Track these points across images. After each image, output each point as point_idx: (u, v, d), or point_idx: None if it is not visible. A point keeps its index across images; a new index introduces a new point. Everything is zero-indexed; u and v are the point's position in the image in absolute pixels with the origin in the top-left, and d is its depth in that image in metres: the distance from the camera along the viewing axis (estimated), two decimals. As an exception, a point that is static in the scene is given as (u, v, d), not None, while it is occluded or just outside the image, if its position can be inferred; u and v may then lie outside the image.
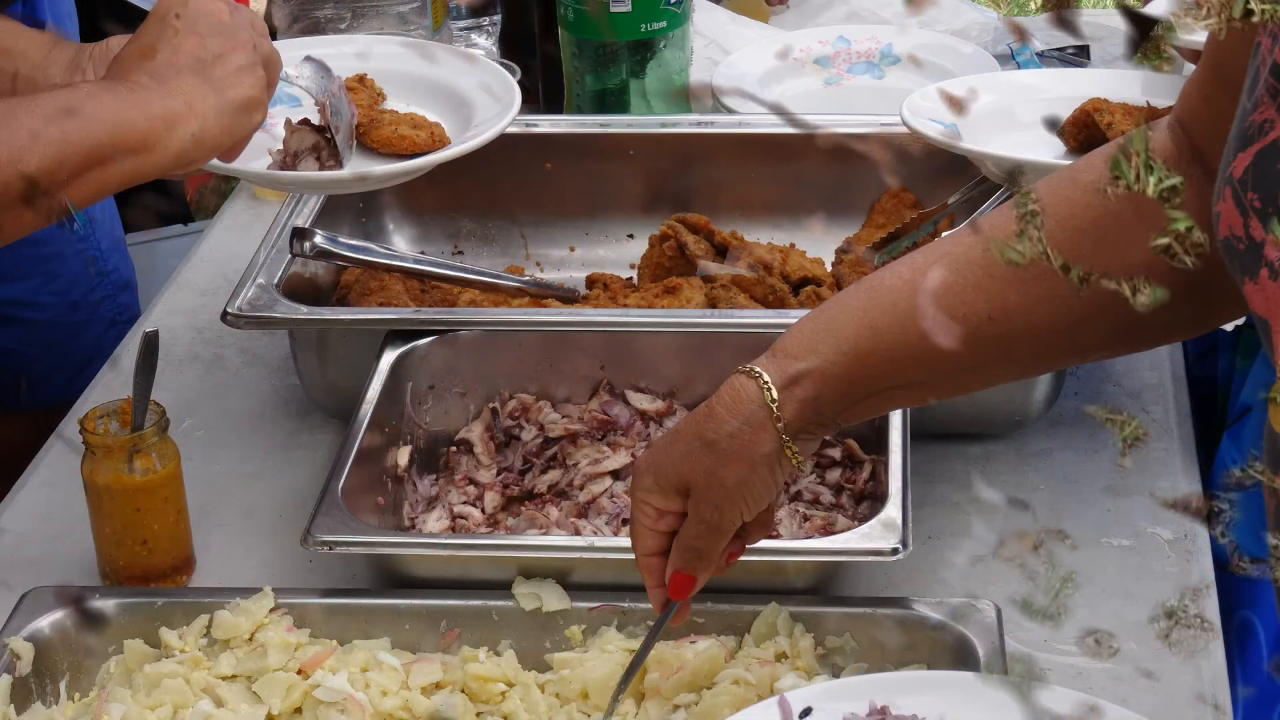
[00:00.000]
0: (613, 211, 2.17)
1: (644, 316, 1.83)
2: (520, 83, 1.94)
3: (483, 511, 1.77)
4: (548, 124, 2.18)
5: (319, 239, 1.86)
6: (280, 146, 1.80)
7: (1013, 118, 1.94)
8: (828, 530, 1.69)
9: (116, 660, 1.56)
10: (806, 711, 1.32)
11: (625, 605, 1.55)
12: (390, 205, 2.17)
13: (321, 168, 1.80)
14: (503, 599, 1.57)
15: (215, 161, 1.61)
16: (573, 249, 2.18)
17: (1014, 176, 1.71)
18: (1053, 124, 1.85)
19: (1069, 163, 1.35)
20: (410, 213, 2.18)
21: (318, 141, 1.80)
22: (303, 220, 1.97)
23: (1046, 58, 2.57)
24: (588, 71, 2.27)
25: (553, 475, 1.79)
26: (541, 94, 2.44)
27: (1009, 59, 2.53)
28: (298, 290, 1.89)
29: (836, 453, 1.77)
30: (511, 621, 1.56)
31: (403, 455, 1.76)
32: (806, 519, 1.72)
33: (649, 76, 2.26)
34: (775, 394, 1.32)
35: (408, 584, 1.60)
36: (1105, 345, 1.35)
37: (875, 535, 1.53)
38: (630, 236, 2.17)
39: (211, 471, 1.86)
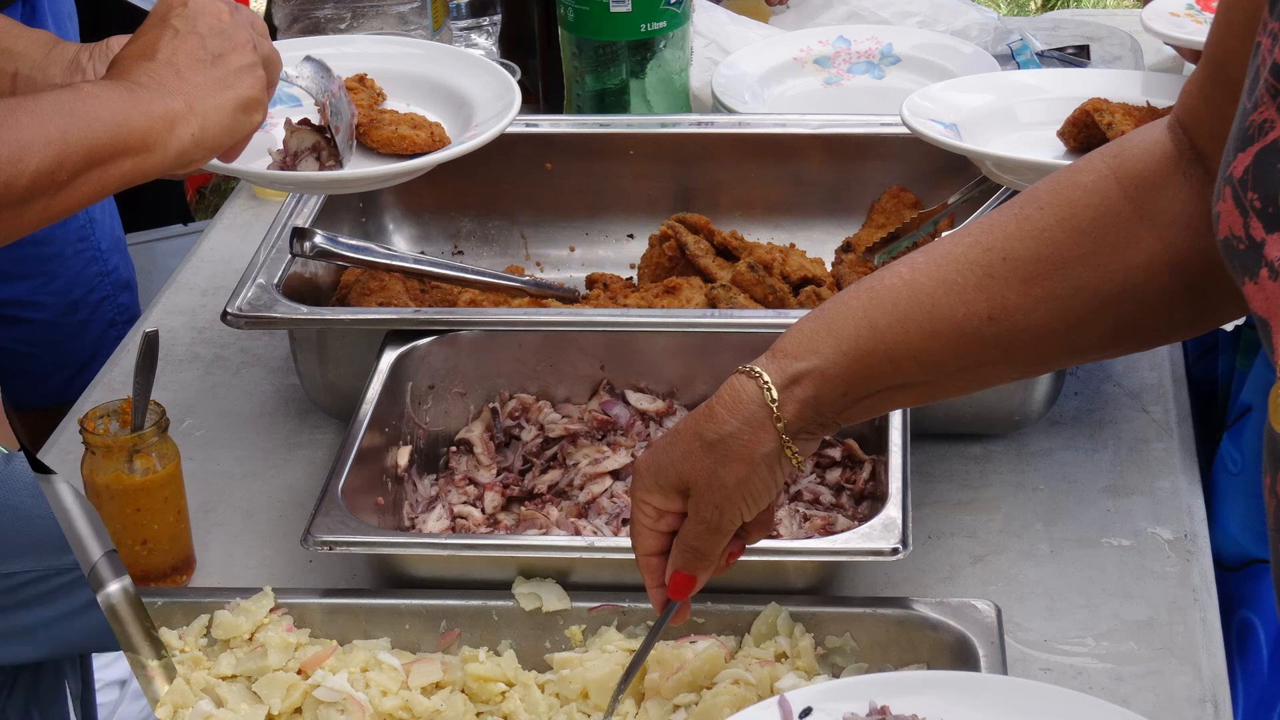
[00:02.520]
0: (613, 211, 2.17)
1: (644, 316, 1.83)
2: (520, 83, 1.94)
3: (483, 511, 1.76)
4: (548, 124, 2.18)
5: (319, 239, 1.86)
6: (280, 146, 1.80)
7: (1013, 118, 1.94)
8: (828, 530, 1.69)
9: (116, 660, 1.56)
10: (806, 711, 1.31)
11: (625, 605, 1.55)
12: (390, 205, 2.17)
13: (321, 168, 1.80)
14: (503, 599, 1.56)
15: (215, 161, 1.61)
16: (573, 249, 2.18)
17: None
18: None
19: (1069, 163, 1.35)
20: (410, 213, 2.18)
21: (318, 141, 1.80)
22: (303, 220, 1.97)
23: (1046, 58, 2.57)
24: (588, 71, 2.27)
25: (553, 475, 1.79)
26: (541, 94, 2.44)
27: (1009, 59, 2.53)
28: (298, 290, 1.89)
29: (836, 453, 1.77)
30: (511, 621, 1.56)
31: (403, 455, 1.76)
32: (806, 519, 1.72)
33: (649, 76, 2.26)
34: (775, 394, 1.32)
35: (408, 584, 1.60)
36: (1105, 345, 1.35)
37: (875, 535, 1.53)
38: (630, 236, 2.16)
39: (211, 471, 1.86)
